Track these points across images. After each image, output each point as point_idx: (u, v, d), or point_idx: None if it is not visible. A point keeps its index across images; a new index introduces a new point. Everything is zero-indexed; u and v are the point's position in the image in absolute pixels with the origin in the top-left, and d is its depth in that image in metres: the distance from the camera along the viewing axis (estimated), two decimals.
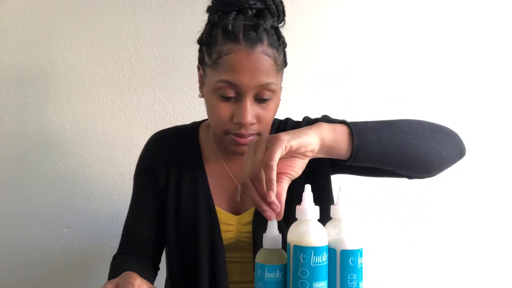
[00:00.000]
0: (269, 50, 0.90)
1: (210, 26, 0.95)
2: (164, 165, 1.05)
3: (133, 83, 1.49)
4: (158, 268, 1.10)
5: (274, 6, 0.93)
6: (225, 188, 1.05)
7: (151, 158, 1.07)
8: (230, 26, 0.89)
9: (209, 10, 0.98)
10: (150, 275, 1.02)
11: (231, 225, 1.02)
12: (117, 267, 0.99)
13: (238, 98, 0.91)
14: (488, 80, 1.58)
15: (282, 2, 0.97)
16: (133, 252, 1.07)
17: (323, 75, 1.54)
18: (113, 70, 1.48)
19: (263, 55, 0.89)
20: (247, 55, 0.88)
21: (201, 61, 0.98)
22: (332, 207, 0.75)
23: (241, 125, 0.91)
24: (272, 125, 1.06)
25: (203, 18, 1.49)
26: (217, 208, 1.03)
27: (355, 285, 0.72)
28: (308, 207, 0.73)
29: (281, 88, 0.99)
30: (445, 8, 1.57)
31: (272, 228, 0.75)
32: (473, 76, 1.58)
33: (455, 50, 1.57)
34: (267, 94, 0.91)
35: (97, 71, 1.48)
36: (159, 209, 1.06)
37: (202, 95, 1.00)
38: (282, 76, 0.98)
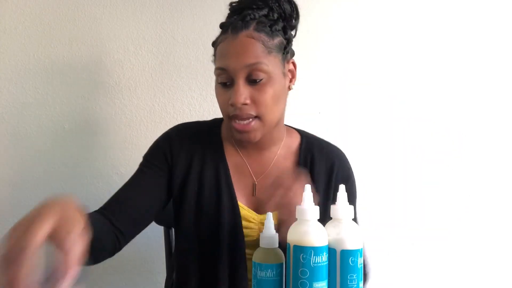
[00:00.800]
0: (255, 34, 0.96)
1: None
2: (186, 155, 1.06)
3: (133, 83, 1.49)
4: (118, 240, 1.00)
5: (276, 4, 1.00)
6: (244, 183, 1.07)
7: (172, 144, 1.07)
8: (225, 22, 1.00)
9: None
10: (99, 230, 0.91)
11: (252, 223, 1.04)
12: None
13: (232, 83, 0.98)
14: (488, 80, 1.58)
15: (290, 2, 1.03)
16: (107, 215, 1.00)
17: (323, 75, 1.54)
18: (113, 70, 1.48)
19: (247, 38, 0.96)
20: (232, 40, 0.96)
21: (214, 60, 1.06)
22: (332, 207, 0.75)
23: (234, 106, 0.96)
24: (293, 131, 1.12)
25: (203, 18, 1.50)
26: (240, 204, 1.05)
27: (355, 285, 0.72)
28: (308, 207, 0.73)
29: (283, 74, 1.02)
30: (445, 8, 1.57)
31: (269, 228, 0.76)
32: (473, 76, 1.58)
33: (455, 50, 1.57)
34: (258, 75, 0.96)
35: (97, 71, 1.48)
36: (158, 192, 1.05)
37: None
38: (284, 61, 1.02)
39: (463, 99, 1.58)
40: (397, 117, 1.56)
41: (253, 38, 0.96)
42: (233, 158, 1.08)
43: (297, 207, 0.73)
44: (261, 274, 0.73)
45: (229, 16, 1.03)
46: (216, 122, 1.13)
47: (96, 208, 1.45)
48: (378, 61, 1.55)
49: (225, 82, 0.98)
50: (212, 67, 1.50)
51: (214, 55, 1.02)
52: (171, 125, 1.44)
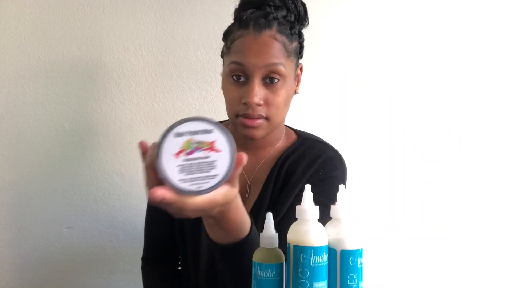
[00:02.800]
0: (278, 35, 0.96)
1: (234, 20, 1.02)
2: None
3: (133, 83, 1.49)
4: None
5: (293, 5, 1.00)
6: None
7: None
8: (244, 17, 0.97)
9: (235, 12, 1.03)
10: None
11: None
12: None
13: (247, 80, 0.96)
14: (488, 80, 1.58)
15: (304, 4, 1.03)
16: (158, 259, 1.14)
17: (323, 75, 1.54)
18: (113, 70, 1.48)
19: (270, 38, 0.95)
20: (254, 37, 0.95)
21: (222, 54, 1.05)
22: (332, 207, 0.75)
23: (248, 105, 0.95)
24: (291, 133, 1.11)
25: (203, 18, 1.50)
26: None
27: (355, 285, 0.72)
28: (308, 207, 0.73)
29: (295, 78, 1.03)
30: (445, 8, 1.57)
31: (269, 228, 0.76)
32: (473, 76, 1.58)
33: (455, 50, 1.57)
34: (276, 76, 0.96)
35: (97, 71, 1.48)
36: None
37: (222, 88, 1.04)
38: (296, 66, 1.03)
39: (463, 99, 1.58)
40: (397, 117, 1.56)
41: (275, 39, 0.96)
42: None
43: (297, 207, 0.73)
44: (261, 274, 0.73)
45: (243, 8, 1.00)
46: None
47: (96, 207, 1.46)
48: (378, 61, 1.55)
49: (239, 77, 0.96)
50: (212, 67, 1.51)
51: (228, 47, 0.99)
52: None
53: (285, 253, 0.73)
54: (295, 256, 0.71)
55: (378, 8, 1.55)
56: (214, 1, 1.48)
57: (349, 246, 0.72)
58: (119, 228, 1.49)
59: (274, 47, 0.96)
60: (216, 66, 1.47)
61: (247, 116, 0.96)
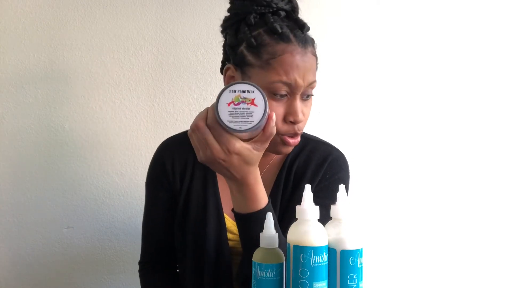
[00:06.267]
0: (314, 51, 0.98)
1: (247, 27, 0.95)
2: (180, 167, 1.06)
3: (133, 83, 1.48)
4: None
5: (297, 9, 1.00)
6: None
7: (165, 164, 1.07)
8: (279, 28, 0.92)
9: (236, 10, 0.99)
10: None
11: (237, 235, 1.01)
12: None
13: (289, 96, 0.94)
14: (488, 81, 1.58)
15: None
16: (156, 263, 1.13)
17: (323, 75, 1.53)
18: (113, 70, 1.48)
19: (311, 55, 0.96)
20: (301, 54, 0.93)
21: (239, 62, 0.97)
22: (332, 207, 0.75)
23: (294, 123, 0.94)
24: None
25: (203, 18, 1.50)
26: (226, 216, 1.04)
27: (355, 285, 0.72)
28: (308, 207, 0.73)
29: None
30: (445, 8, 1.57)
31: (269, 228, 0.76)
32: (473, 77, 1.58)
33: (455, 50, 1.57)
34: (310, 92, 0.98)
35: (97, 71, 1.48)
36: (173, 212, 1.08)
37: None
38: None
39: (463, 99, 1.57)
40: (397, 117, 1.56)
41: (314, 56, 0.98)
42: None
43: (297, 207, 0.73)
44: (261, 274, 0.73)
45: (258, 13, 0.95)
46: None
47: (96, 207, 1.46)
48: (378, 61, 1.55)
49: (283, 94, 0.93)
50: (212, 67, 1.50)
51: (265, 60, 0.92)
52: (171, 126, 1.44)
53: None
54: (295, 256, 0.71)
55: (378, 8, 1.55)
56: (214, 1, 1.48)
57: (349, 246, 0.72)
58: (119, 228, 1.48)
59: (314, 64, 0.97)
60: (216, 66, 1.46)
61: (292, 136, 0.95)
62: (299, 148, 1.07)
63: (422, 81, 1.56)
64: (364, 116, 1.55)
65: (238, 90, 0.77)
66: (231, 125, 0.77)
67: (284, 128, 0.94)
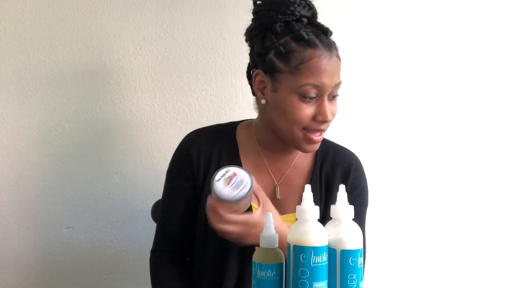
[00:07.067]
0: (338, 53, 1.03)
1: (274, 35, 1.01)
2: (205, 160, 1.09)
3: (133, 83, 1.48)
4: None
5: (316, 14, 1.06)
6: (263, 184, 1.06)
7: (191, 155, 1.09)
8: (305, 35, 0.98)
9: (261, 20, 1.04)
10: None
11: None
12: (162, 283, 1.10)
13: (318, 98, 1.00)
14: (487, 81, 1.58)
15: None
16: (169, 253, 1.12)
17: None
18: (113, 70, 1.48)
19: (336, 57, 1.02)
20: (328, 58, 0.99)
21: (268, 69, 1.02)
22: (332, 207, 0.75)
23: (324, 122, 1.00)
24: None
25: (203, 18, 1.50)
26: (253, 204, 1.04)
27: (355, 285, 0.72)
28: (308, 207, 0.73)
29: None
30: (445, 8, 1.57)
31: (269, 228, 0.76)
32: (472, 77, 1.58)
33: (455, 50, 1.57)
34: (337, 92, 1.03)
35: (97, 71, 1.48)
36: (192, 205, 1.09)
37: (265, 100, 1.05)
38: None
39: (463, 99, 1.58)
40: (397, 117, 1.56)
41: (339, 58, 1.03)
42: (251, 160, 1.10)
43: (297, 207, 0.74)
44: (261, 274, 0.73)
45: (283, 22, 1.01)
46: (232, 126, 1.16)
47: (96, 207, 1.46)
48: (378, 61, 1.55)
49: (312, 97, 0.99)
50: (212, 67, 1.50)
51: (295, 67, 0.98)
52: (171, 125, 1.44)
53: None
54: (295, 256, 0.71)
55: (378, 8, 1.55)
56: (214, 1, 1.48)
57: (349, 246, 0.72)
58: (119, 228, 1.48)
59: (339, 66, 1.03)
60: (216, 66, 1.47)
61: (319, 131, 1.02)
62: (323, 152, 1.13)
63: (422, 81, 1.57)
64: (364, 116, 1.55)
65: (221, 177, 0.91)
66: (240, 195, 0.89)
67: (311, 123, 1.00)
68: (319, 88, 0.98)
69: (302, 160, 1.12)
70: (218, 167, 1.05)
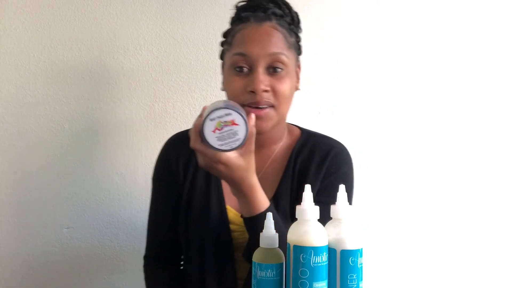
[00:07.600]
0: (278, 27, 1.00)
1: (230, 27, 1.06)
2: (184, 163, 1.09)
3: (133, 83, 1.48)
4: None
5: (287, 11, 1.04)
6: None
7: (169, 160, 1.10)
8: (243, 14, 1.01)
9: (233, 17, 1.07)
10: None
11: (240, 225, 1.03)
12: None
13: (251, 70, 0.98)
14: (487, 81, 1.58)
15: (297, 13, 1.07)
16: (161, 258, 1.13)
17: (323, 75, 1.54)
18: (113, 70, 1.48)
19: (271, 28, 0.99)
20: (256, 28, 0.99)
21: (221, 55, 1.07)
22: (332, 207, 0.75)
23: (254, 93, 0.96)
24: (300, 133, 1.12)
25: (203, 18, 1.50)
26: (228, 207, 1.05)
27: (355, 285, 0.72)
28: (308, 207, 0.73)
29: (296, 71, 1.05)
30: (445, 8, 1.57)
31: (269, 228, 0.76)
32: (471, 77, 1.58)
33: (455, 50, 1.57)
34: (279, 65, 0.98)
35: (97, 71, 1.48)
36: (177, 208, 1.09)
37: (223, 87, 1.06)
38: (297, 60, 1.06)
39: (462, 99, 1.57)
40: (397, 117, 1.55)
41: (276, 29, 0.99)
42: None
43: (297, 207, 0.73)
44: (261, 274, 0.73)
45: (242, 11, 1.04)
46: None
47: (96, 207, 1.46)
48: (378, 61, 1.55)
49: (243, 68, 0.98)
50: (212, 67, 1.51)
51: (229, 43, 1.02)
52: (171, 126, 1.44)
53: None
54: (295, 256, 0.71)
55: (378, 8, 1.55)
56: (214, 1, 1.48)
57: (349, 246, 0.72)
58: (119, 228, 1.49)
59: (276, 36, 0.99)
60: (216, 66, 1.46)
61: (255, 104, 0.97)
62: (302, 142, 1.09)
63: (422, 81, 1.56)
64: (364, 116, 1.55)
65: (217, 117, 0.82)
66: (223, 147, 0.84)
67: (244, 96, 0.97)
68: (248, 58, 0.97)
69: (280, 155, 1.09)
70: (197, 167, 1.05)
